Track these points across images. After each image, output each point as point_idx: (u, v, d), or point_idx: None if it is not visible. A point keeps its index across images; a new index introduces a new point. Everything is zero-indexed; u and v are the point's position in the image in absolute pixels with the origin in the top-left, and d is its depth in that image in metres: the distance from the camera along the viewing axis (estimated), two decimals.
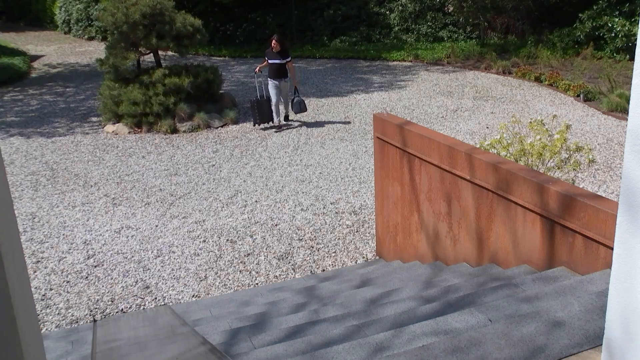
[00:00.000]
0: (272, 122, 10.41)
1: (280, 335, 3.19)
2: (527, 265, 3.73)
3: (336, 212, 6.89)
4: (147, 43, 10.56)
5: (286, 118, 10.73)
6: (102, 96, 10.78)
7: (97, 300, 5.21)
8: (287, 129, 10.46)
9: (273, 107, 10.29)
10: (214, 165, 8.71)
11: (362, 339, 2.65)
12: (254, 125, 10.42)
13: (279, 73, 10.04)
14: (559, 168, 5.43)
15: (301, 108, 10.24)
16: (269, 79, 10.15)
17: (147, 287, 5.39)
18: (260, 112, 10.19)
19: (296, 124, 10.75)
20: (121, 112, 10.51)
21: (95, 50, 19.54)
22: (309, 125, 10.68)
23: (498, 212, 3.93)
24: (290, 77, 10.22)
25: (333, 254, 5.94)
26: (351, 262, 5.81)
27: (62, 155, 9.35)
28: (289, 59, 10.15)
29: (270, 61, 10.04)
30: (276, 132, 10.23)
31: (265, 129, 10.44)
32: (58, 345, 4.18)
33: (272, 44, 9.94)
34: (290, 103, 10.38)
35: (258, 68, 10.45)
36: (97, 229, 6.65)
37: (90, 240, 6.37)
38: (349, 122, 10.69)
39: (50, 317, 4.96)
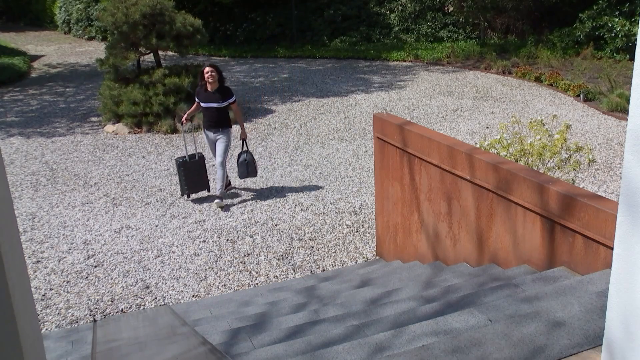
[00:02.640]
0: (208, 190, 7.42)
1: (280, 335, 3.19)
2: (527, 265, 3.73)
3: (336, 212, 6.89)
4: (147, 43, 10.56)
5: (222, 195, 7.17)
6: (102, 96, 10.79)
7: (97, 300, 5.21)
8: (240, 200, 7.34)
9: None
10: (213, 165, 8.70)
11: (362, 339, 2.65)
12: (182, 196, 7.43)
13: (216, 122, 6.95)
14: (559, 168, 5.43)
15: (249, 171, 7.10)
16: (204, 130, 7.16)
17: (147, 287, 5.39)
18: (190, 178, 7.16)
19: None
20: (121, 112, 10.52)
21: (95, 50, 19.54)
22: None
23: (498, 212, 3.93)
24: (239, 124, 7.26)
25: (333, 254, 5.94)
26: (351, 262, 5.81)
27: (62, 155, 9.35)
28: (233, 99, 7.00)
29: (203, 105, 6.97)
30: (223, 209, 7.08)
31: (199, 200, 7.32)
32: (58, 345, 4.18)
33: (206, 78, 6.84)
34: (236, 164, 7.30)
35: (185, 116, 7.24)
36: (97, 229, 6.65)
37: (90, 240, 6.37)
38: (348, 122, 10.69)
39: (50, 317, 4.96)
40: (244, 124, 7.73)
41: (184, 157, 7.19)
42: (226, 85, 7.06)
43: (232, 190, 7.66)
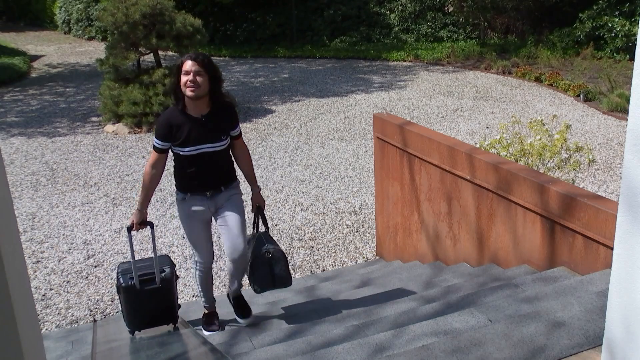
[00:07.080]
0: (174, 323, 3.76)
1: (280, 336, 3.19)
2: (527, 265, 3.73)
3: (336, 212, 6.89)
4: (147, 43, 10.55)
5: (244, 310, 3.76)
6: (102, 96, 10.78)
7: (97, 300, 5.21)
8: None
9: (199, 284, 3.68)
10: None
11: (362, 339, 2.65)
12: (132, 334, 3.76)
13: (218, 177, 3.54)
14: (559, 168, 5.43)
15: (275, 276, 3.54)
16: (178, 193, 3.54)
17: None
18: (141, 309, 3.59)
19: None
20: (121, 112, 10.51)
21: (95, 50, 19.54)
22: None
23: (498, 212, 3.93)
24: (247, 177, 3.85)
25: (333, 254, 5.94)
26: (351, 262, 5.81)
27: (62, 155, 9.35)
28: (238, 130, 3.56)
29: (186, 152, 3.34)
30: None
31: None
32: (58, 345, 4.18)
33: (185, 83, 3.21)
34: (253, 264, 3.55)
35: (137, 218, 3.49)
36: (97, 229, 6.65)
37: (90, 240, 6.36)
38: (348, 122, 10.69)
39: (50, 317, 4.96)
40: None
41: (130, 274, 3.55)
42: (227, 100, 3.48)
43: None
